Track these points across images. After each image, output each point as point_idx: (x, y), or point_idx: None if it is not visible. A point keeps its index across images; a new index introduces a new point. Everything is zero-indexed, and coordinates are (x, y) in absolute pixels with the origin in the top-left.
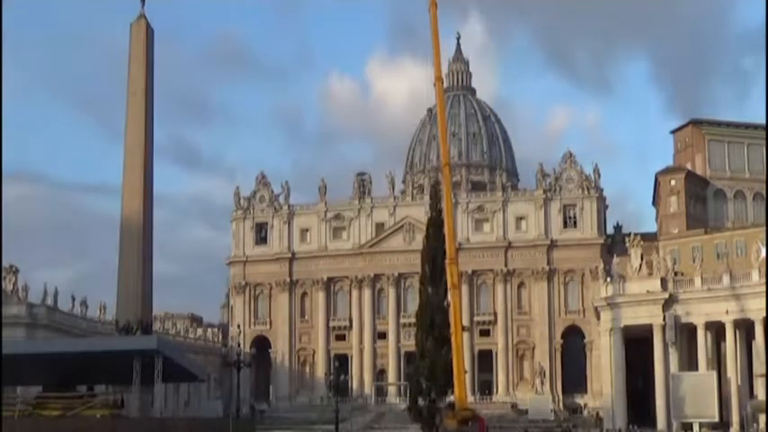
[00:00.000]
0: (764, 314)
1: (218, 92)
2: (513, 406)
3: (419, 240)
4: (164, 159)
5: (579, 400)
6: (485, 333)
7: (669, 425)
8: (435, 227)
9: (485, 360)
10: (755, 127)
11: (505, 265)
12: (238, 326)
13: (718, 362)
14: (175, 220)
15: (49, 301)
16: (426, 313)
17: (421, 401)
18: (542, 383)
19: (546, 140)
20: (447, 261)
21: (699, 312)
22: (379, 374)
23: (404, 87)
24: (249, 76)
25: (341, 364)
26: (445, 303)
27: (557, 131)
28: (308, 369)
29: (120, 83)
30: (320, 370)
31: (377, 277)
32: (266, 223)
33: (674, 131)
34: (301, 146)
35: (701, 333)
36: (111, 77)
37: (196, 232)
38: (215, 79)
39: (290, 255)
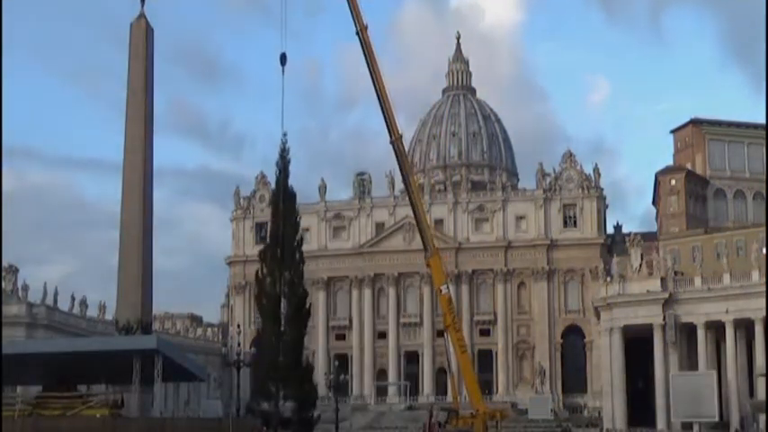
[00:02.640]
0: (764, 314)
1: (227, 49)
2: (514, 406)
3: (419, 240)
4: (165, 128)
5: (579, 400)
6: (485, 333)
7: (669, 425)
8: (280, 204)
9: (485, 360)
10: (755, 127)
11: (505, 265)
12: (238, 326)
13: (718, 362)
14: (175, 199)
15: (49, 301)
16: (268, 303)
17: (265, 405)
18: (542, 383)
19: (589, 106)
20: (429, 255)
21: (699, 312)
22: (379, 374)
23: (423, 49)
24: (261, 33)
25: (341, 363)
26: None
27: (600, 96)
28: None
29: (115, 56)
30: (320, 370)
31: (377, 277)
32: (266, 223)
33: (674, 131)
34: (314, 113)
35: (700, 333)
36: (106, 50)
37: (198, 213)
38: (223, 34)
39: None
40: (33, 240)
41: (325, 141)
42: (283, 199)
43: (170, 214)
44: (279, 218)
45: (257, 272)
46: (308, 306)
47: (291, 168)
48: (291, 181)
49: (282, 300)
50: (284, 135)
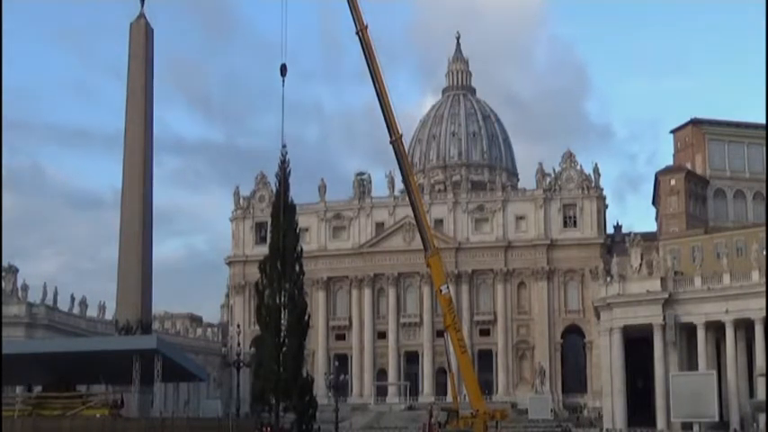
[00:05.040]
0: (764, 314)
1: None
2: (514, 406)
3: (419, 240)
4: (163, 95)
5: (579, 400)
6: (485, 333)
7: (669, 425)
8: (281, 217)
9: (485, 360)
10: (755, 127)
11: (505, 265)
12: (238, 325)
13: (718, 362)
14: (173, 182)
15: (49, 301)
16: (264, 314)
17: (266, 415)
18: (542, 383)
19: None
20: (430, 254)
21: (699, 312)
22: (379, 374)
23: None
24: None
25: (341, 363)
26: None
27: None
28: (307, 369)
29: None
30: (320, 370)
31: (377, 277)
32: (266, 223)
33: (674, 131)
34: (335, 79)
35: (700, 333)
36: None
37: (199, 197)
38: None
39: None
40: (19, 232)
41: (338, 108)
42: (283, 210)
43: (168, 203)
44: (279, 229)
45: (257, 283)
46: (307, 318)
47: (301, 135)
48: (292, 180)
49: (283, 311)
50: (284, 147)
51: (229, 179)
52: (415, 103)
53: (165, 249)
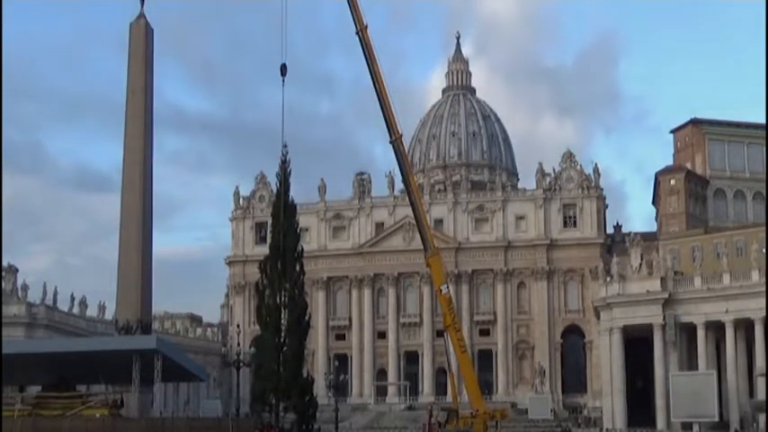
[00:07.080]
0: (764, 314)
1: None
2: (513, 406)
3: (419, 240)
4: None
5: (579, 400)
6: (485, 333)
7: (669, 425)
8: (282, 216)
9: (485, 360)
10: (755, 127)
11: (505, 265)
12: (238, 325)
13: (718, 362)
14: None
15: (49, 301)
16: (264, 314)
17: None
18: (542, 383)
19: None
20: (430, 254)
21: (698, 312)
22: (379, 374)
23: None
24: None
25: (341, 363)
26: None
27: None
28: (307, 369)
29: None
30: (320, 370)
31: (376, 277)
32: (266, 223)
33: (673, 131)
34: (350, 50)
35: (700, 333)
36: None
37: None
38: None
39: None
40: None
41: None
42: (284, 210)
43: (168, 199)
44: (279, 229)
45: (257, 283)
46: (307, 318)
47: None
48: (293, 179)
49: (283, 311)
50: (284, 146)
51: (233, 166)
52: (434, 68)
53: (164, 249)
